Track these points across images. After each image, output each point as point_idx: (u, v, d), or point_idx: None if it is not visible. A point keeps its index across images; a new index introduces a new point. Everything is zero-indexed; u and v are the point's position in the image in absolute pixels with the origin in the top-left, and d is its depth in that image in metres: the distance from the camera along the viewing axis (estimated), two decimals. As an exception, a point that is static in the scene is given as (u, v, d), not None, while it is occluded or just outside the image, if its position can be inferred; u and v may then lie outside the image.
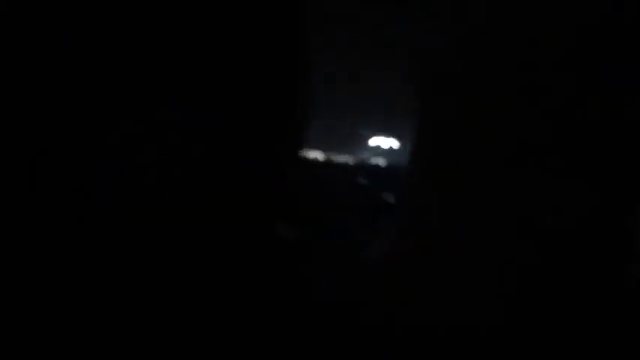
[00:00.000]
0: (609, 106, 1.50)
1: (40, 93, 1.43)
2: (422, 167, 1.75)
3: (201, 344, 1.47)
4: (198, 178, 1.54)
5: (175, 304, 1.49)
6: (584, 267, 1.51)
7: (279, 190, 1.71)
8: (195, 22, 1.51)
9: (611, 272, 1.50)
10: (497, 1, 1.62)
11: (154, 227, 1.50)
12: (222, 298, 1.53)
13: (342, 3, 1.89)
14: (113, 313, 1.44)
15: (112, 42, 1.46)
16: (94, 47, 1.45)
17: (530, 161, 1.58)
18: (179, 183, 1.53)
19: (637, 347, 1.44)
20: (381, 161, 3.05)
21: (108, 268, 1.46)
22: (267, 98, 1.59)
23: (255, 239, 1.58)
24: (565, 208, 1.53)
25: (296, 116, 1.66)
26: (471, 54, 1.68)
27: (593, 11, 1.51)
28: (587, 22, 1.51)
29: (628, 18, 1.48)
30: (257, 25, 1.55)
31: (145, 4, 1.47)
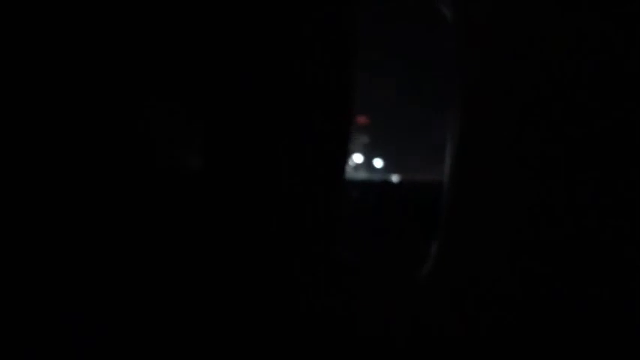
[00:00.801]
0: (609, 106, 1.50)
1: (40, 92, 1.44)
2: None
3: (200, 345, 1.47)
4: (198, 179, 1.55)
5: (175, 305, 1.50)
6: (585, 267, 1.51)
7: (336, 213, 1.69)
8: (196, 21, 1.52)
9: (612, 273, 1.50)
10: (497, 1, 1.62)
11: (155, 228, 1.51)
12: (221, 301, 1.53)
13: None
14: (114, 314, 1.44)
15: (112, 42, 1.47)
16: (94, 47, 1.45)
17: (530, 162, 1.58)
18: (179, 183, 1.53)
19: (637, 348, 1.44)
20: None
21: (108, 268, 1.47)
22: (268, 98, 1.59)
23: (255, 242, 1.58)
24: (565, 208, 1.53)
25: (297, 117, 1.66)
26: (470, 54, 1.68)
27: (593, 11, 1.51)
28: (587, 22, 1.51)
29: (628, 18, 1.48)
30: (259, 25, 1.56)
31: (145, 2, 1.48)
